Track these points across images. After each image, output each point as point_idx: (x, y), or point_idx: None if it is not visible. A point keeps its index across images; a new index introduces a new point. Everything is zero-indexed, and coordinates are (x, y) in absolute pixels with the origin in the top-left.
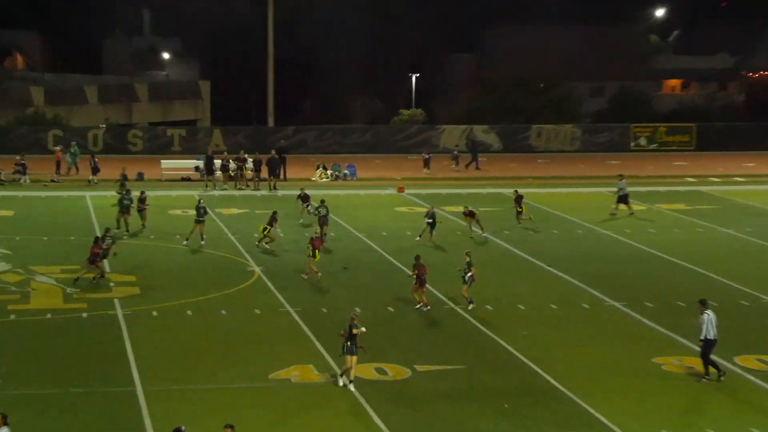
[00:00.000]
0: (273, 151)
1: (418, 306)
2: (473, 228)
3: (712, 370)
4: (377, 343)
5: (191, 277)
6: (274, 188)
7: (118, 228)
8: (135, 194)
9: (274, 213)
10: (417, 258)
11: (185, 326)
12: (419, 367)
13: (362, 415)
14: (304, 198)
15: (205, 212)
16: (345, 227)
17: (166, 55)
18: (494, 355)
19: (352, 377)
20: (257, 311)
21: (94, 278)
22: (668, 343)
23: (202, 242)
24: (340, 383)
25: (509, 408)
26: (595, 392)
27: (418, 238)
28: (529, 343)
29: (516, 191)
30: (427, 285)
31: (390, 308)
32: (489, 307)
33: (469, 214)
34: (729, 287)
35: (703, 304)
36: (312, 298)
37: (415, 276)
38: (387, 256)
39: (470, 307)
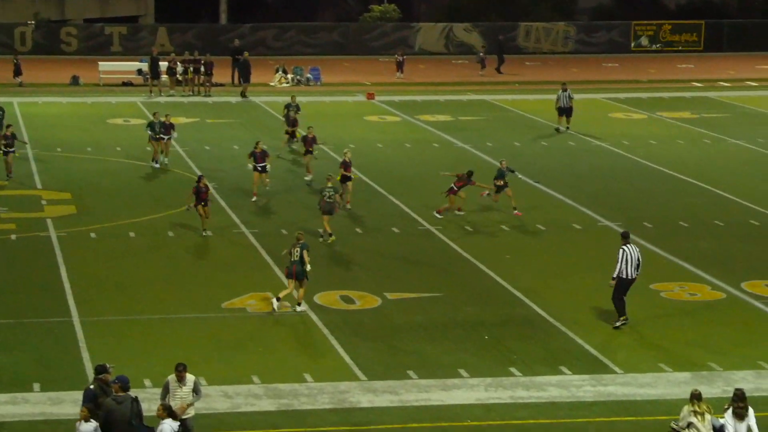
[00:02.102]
0: (245, 53)
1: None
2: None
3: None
4: (343, 267)
5: (133, 194)
6: (244, 95)
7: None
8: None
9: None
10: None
11: (127, 250)
12: (390, 295)
13: (326, 348)
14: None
15: (165, 129)
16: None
17: None
18: (475, 282)
19: (300, 300)
20: (208, 233)
21: None
22: (669, 268)
23: (166, 161)
24: (275, 306)
25: (491, 340)
26: (587, 323)
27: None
28: (514, 268)
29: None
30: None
31: (358, 229)
32: (468, 227)
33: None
34: (738, 205)
35: (624, 238)
36: (270, 219)
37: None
38: (355, 170)
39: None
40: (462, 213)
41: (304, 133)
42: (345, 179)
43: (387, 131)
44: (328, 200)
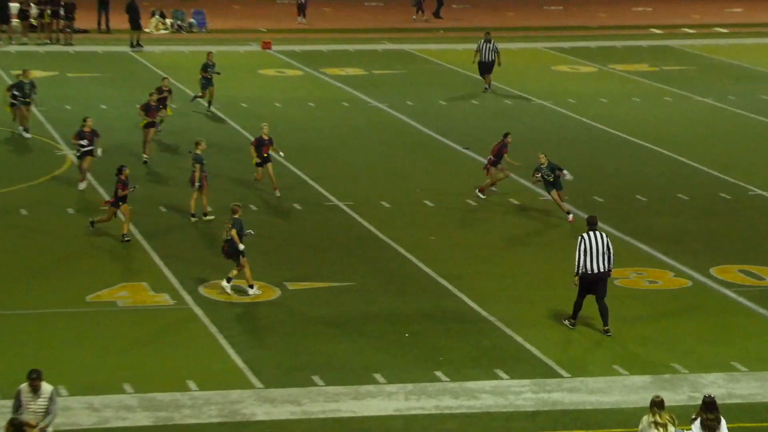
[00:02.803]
0: None
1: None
2: None
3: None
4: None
5: None
6: (138, 44)
7: None
8: None
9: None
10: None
11: None
12: (291, 285)
13: (214, 350)
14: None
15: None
16: (191, 96)
17: None
18: (393, 269)
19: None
20: (70, 211)
21: None
22: (623, 250)
23: (27, 134)
24: (251, 293)
25: (412, 338)
26: (528, 317)
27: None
28: (440, 252)
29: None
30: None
31: (252, 206)
32: (386, 203)
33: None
34: (706, 176)
35: (589, 225)
36: (146, 192)
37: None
38: (245, 133)
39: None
40: (496, 190)
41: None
42: (264, 161)
43: (287, 87)
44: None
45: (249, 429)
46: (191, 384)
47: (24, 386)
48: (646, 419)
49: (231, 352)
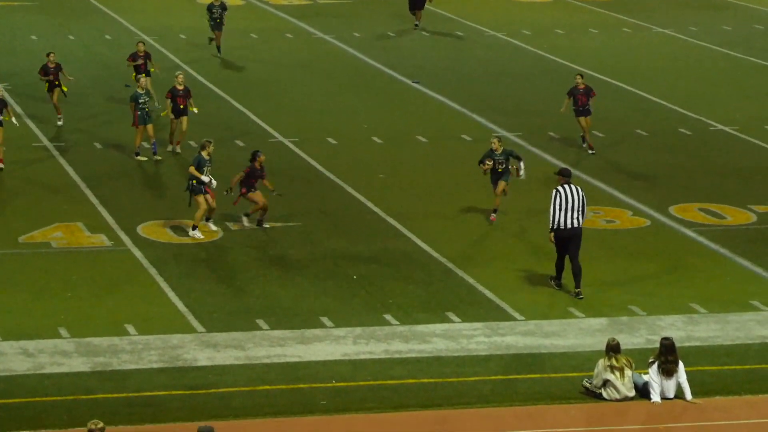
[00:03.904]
0: None
1: None
2: None
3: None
4: (173, 191)
5: None
6: None
7: None
8: None
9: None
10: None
11: None
12: (234, 225)
13: (154, 293)
14: None
15: None
16: (126, 26)
17: None
18: (340, 208)
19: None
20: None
21: None
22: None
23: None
24: (191, 233)
25: (360, 281)
26: (480, 258)
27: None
28: (388, 191)
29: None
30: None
31: (192, 142)
32: (332, 140)
33: None
34: (666, 110)
35: (563, 176)
36: (81, 127)
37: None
38: (187, 68)
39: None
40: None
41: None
42: (179, 114)
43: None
44: (141, 107)
45: (191, 375)
46: (130, 328)
47: None
48: (602, 363)
49: (171, 295)
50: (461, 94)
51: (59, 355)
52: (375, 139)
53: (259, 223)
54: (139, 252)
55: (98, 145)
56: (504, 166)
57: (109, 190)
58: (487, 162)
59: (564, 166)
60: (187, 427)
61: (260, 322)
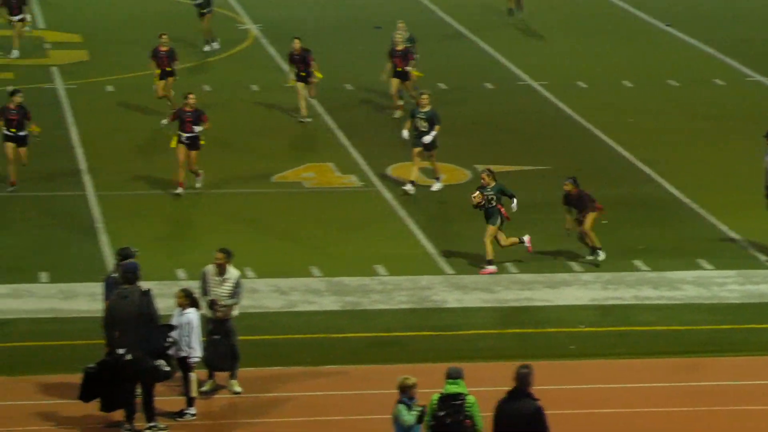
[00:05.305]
0: None
1: None
2: None
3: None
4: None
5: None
6: None
7: None
8: None
9: None
10: None
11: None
12: (480, 167)
13: (403, 233)
14: None
15: None
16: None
17: None
18: (588, 153)
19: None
20: (254, 87)
21: None
22: None
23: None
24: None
25: (609, 226)
26: (731, 204)
27: None
28: (639, 135)
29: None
30: None
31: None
32: (582, 84)
33: None
34: None
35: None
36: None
37: None
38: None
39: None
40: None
41: None
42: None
43: None
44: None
45: (439, 316)
46: (380, 268)
47: (209, 267)
48: None
49: (420, 236)
50: (715, 37)
51: (311, 294)
52: (625, 82)
53: None
54: (389, 193)
55: (348, 86)
56: (496, 202)
57: (359, 130)
58: (480, 198)
59: None
60: (434, 368)
61: (508, 265)
